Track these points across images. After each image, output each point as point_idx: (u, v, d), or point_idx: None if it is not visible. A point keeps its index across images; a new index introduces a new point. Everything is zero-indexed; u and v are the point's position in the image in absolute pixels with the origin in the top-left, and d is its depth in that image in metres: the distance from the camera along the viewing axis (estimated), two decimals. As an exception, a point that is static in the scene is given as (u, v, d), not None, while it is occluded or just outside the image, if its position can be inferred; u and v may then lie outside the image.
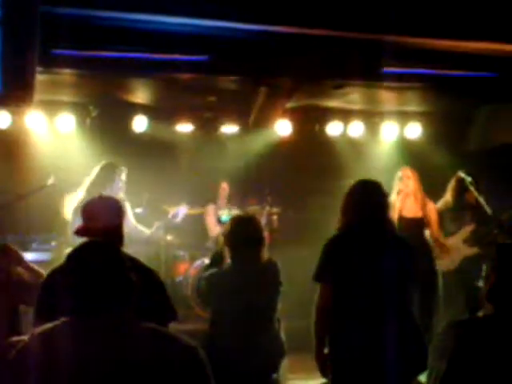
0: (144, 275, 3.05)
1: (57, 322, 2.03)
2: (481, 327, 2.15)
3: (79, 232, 3.16)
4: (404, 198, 6.50)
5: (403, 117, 8.20)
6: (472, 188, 6.30)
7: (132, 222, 6.37)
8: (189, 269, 7.22)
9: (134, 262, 3.05)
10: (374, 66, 5.73)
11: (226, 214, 7.22)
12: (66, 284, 2.06)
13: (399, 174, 6.63)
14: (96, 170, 6.19)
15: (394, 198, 6.31)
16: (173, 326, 3.15)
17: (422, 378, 4.17)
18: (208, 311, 4.47)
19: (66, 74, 5.89)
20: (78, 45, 5.11)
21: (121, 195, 6.11)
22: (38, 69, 5.08)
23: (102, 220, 3.17)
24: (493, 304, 2.21)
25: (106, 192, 5.62)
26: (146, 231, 6.60)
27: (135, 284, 2.10)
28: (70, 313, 2.03)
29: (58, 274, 2.93)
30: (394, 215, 6.13)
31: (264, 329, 4.18)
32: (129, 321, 2.06)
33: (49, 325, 2.04)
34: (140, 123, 7.36)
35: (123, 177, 6.31)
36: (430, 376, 2.13)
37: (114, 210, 3.29)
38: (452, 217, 6.64)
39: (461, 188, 6.53)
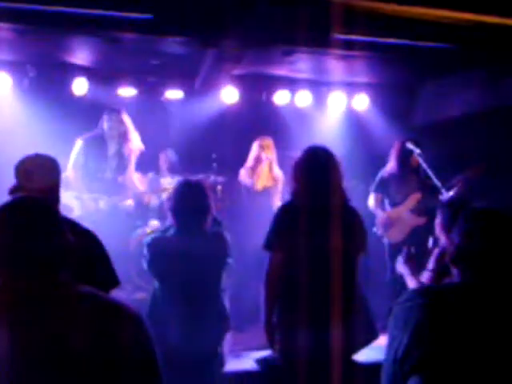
0: (84, 238, 2.89)
1: None
2: (448, 295, 2.05)
3: (13, 191, 2.97)
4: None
5: (351, 87, 8.13)
6: (419, 158, 6.22)
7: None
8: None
9: (73, 224, 2.89)
10: (323, 31, 5.58)
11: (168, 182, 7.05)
12: None
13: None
14: None
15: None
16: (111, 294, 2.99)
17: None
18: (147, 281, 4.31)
19: (2, 28, 5.53)
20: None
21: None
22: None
23: (37, 179, 3.00)
24: (459, 268, 2.11)
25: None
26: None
27: (72, 245, 1.90)
28: None
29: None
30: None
31: (208, 300, 4.06)
32: (65, 284, 1.87)
33: None
34: (80, 86, 7.07)
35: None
36: (391, 346, 2.01)
37: (50, 170, 3.12)
38: (396, 185, 6.56)
39: (404, 154, 6.46)
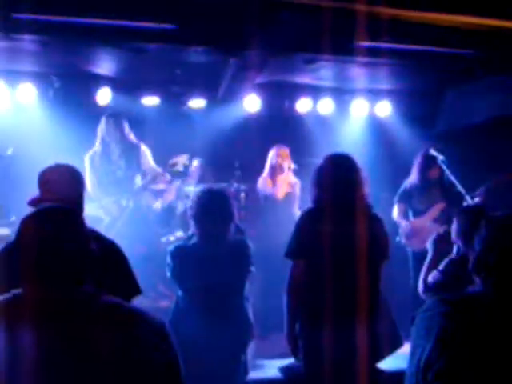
0: (106, 247, 2.89)
1: (7, 295, 1.85)
2: (470, 304, 2.04)
3: (34, 203, 2.96)
4: None
5: (373, 94, 8.12)
6: (442, 165, 6.20)
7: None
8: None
9: (96, 235, 2.90)
10: (346, 39, 5.59)
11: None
12: (18, 252, 1.87)
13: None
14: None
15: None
16: (135, 303, 3.01)
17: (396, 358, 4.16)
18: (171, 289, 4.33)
19: (28, 40, 5.61)
20: (41, 9, 4.86)
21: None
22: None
23: (58, 190, 2.99)
24: (480, 277, 2.11)
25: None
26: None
27: (95, 253, 1.93)
28: (24, 283, 1.85)
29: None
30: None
31: (232, 308, 4.06)
32: (89, 294, 1.89)
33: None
34: (104, 96, 7.15)
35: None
36: (414, 355, 2.01)
37: (72, 180, 3.10)
38: (420, 195, 6.55)
39: (427, 164, 6.43)
